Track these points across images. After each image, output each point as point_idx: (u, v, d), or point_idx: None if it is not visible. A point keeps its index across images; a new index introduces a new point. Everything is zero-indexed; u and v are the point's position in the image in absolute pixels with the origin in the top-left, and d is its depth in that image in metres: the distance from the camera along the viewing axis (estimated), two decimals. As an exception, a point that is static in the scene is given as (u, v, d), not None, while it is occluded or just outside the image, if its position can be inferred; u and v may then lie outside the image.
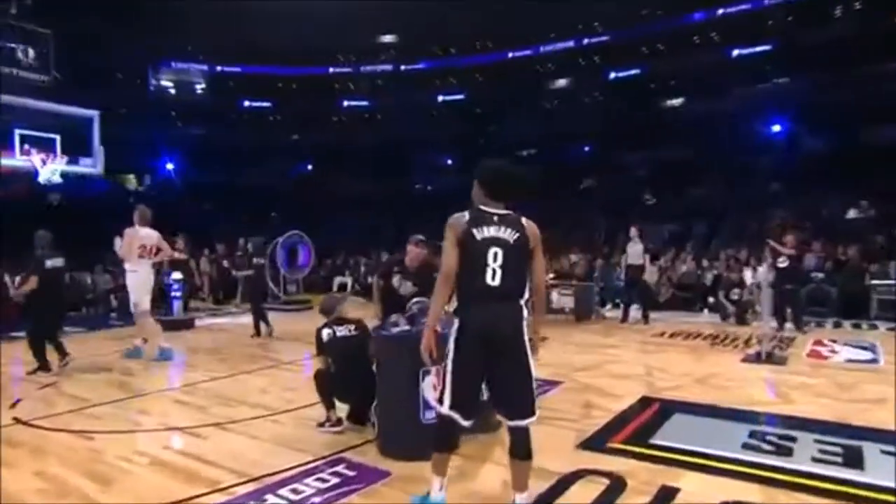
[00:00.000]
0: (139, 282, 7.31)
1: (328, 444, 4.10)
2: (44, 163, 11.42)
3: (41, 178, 11.56)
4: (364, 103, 30.64)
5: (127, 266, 7.29)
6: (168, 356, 7.34)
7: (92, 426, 4.67)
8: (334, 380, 4.37)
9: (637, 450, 3.90)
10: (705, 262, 12.70)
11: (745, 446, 3.92)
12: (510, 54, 28.55)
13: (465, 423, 2.81)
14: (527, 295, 2.83)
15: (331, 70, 30.48)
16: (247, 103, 30.05)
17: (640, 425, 4.44)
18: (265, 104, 30.09)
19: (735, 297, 10.03)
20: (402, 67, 30.17)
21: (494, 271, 2.75)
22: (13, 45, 12.42)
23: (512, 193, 2.91)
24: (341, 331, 4.44)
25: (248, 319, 9.78)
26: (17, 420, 4.91)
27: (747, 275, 10.32)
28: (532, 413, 2.82)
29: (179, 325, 9.93)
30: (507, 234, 2.79)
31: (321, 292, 12.59)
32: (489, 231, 2.79)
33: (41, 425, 4.74)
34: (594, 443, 4.06)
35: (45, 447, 4.24)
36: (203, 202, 24.83)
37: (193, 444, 4.22)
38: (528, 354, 2.78)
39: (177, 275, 10.16)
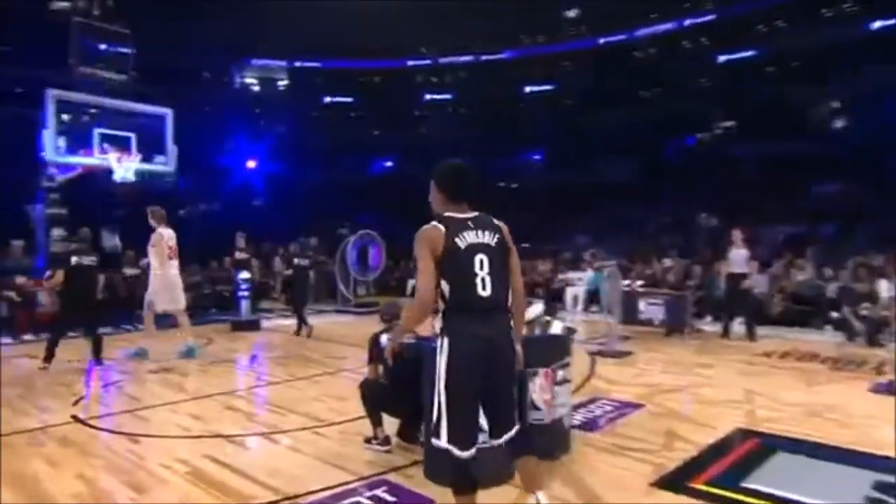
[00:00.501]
0: (169, 283, 7.72)
1: (372, 463, 4.02)
2: (119, 161, 12.30)
3: (116, 177, 12.48)
4: (447, 96, 30.86)
5: (156, 268, 7.66)
6: (140, 354, 7.76)
7: (140, 429, 4.87)
8: (384, 392, 4.27)
9: (725, 494, 3.51)
10: (829, 271, 11.60)
11: (870, 501, 3.43)
12: (602, 40, 27.73)
13: (465, 455, 2.64)
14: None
15: (409, 63, 30.93)
16: (328, 99, 31.04)
17: (732, 463, 4.01)
18: (347, 99, 30.99)
19: (865, 313, 9.06)
20: (484, 58, 30.09)
21: (484, 280, 2.66)
22: (94, 44, 13.49)
23: (473, 192, 2.83)
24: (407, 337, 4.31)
25: (315, 322, 10.04)
26: (74, 418, 5.21)
27: (882, 286, 9.29)
28: (514, 424, 2.77)
29: (245, 326, 10.31)
30: (488, 238, 2.74)
31: (393, 296, 12.74)
32: (470, 237, 2.70)
33: (95, 425, 5.00)
34: (673, 481, 3.70)
35: (93, 448, 4.45)
36: (282, 200, 25.91)
37: (235, 454, 4.27)
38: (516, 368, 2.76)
39: (244, 274, 10.55)
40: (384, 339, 4.28)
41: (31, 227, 13.51)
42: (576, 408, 4.95)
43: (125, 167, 11.96)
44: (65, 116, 11.76)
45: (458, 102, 30.77)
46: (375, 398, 4.30)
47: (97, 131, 11.97)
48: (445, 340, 2.67)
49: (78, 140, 11.96)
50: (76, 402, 5.76)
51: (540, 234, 20.54)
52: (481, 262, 2.67)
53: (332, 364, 7.56)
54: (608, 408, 5.32)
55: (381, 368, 4.31)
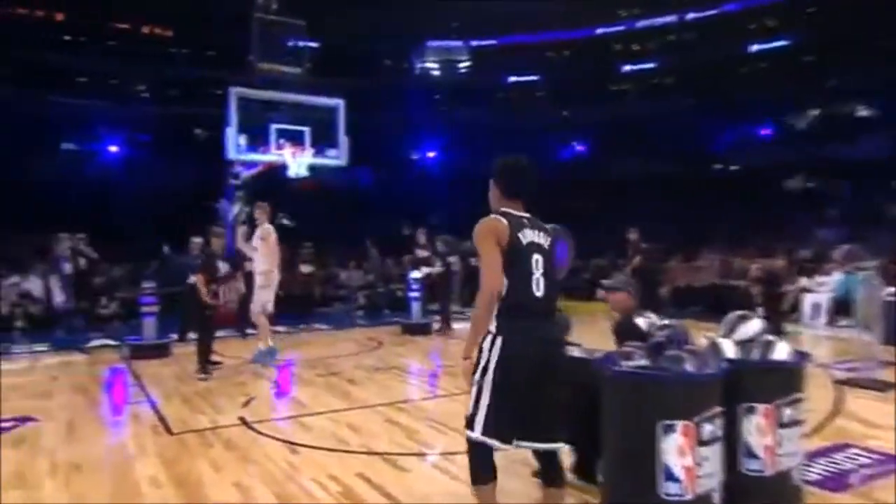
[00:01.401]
0: (274, 281, 8.05)
1: (537, 500, 3.79)
2: (294, 156, 13.40)
3: (291, 172, 13.61)
4: (648, 66, 29.34)
5: (264, 265, 7.98)
6: (264, 359, 7.99)
7: (301, 437, 5.17)
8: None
9: None
10: None
11: None
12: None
13: (503, 447, 2.88)
14: None
15: (599, 31, 29.90)
16: (512, 78, 31.25)
17: None
18: (532, 78, 30.93)
19: None
20: (691, 16, 28.01)
21: (538, 281, 2.89)
22: (273, 39, 14.90)
23: (530, 190, 3.06)
24: (576, 351, 4.02)
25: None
26: (241, 420, 5.69)
27: None
28: (560, 437, 2.97)
29: (416, 329, 10.62)
30: (542, 239, 2.98)
31: (583, 301, 12.34)
32: (529, 235, 2.93)
33: (259, 430, 5.41)
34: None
35: (254, 454, 4.80)
36: (462, 191, 26.61)
37: (389, 475, 4.31)
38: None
39: (415, 273, 10.87)
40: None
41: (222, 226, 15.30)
42: (811, 457, 4.26)
43: (298, 162, 13.08)
44: (244, 114, 13.30)
45: (663, 72, 29.06)
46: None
47: (274, 127, 13.26)
48: (499, 339, 2.86)
49: (257, 137, 13.46)
50: (246, 403, 6.32)
51: (768, 226, 18.70)
52: (537, 261, 2.91)
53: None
54: (862, 460, 4.48)
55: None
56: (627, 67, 29.88)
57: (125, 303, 12.04)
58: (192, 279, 9.60)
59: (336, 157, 14.04)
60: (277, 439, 5.12)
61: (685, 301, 13.38)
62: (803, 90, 24.46)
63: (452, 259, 10.49)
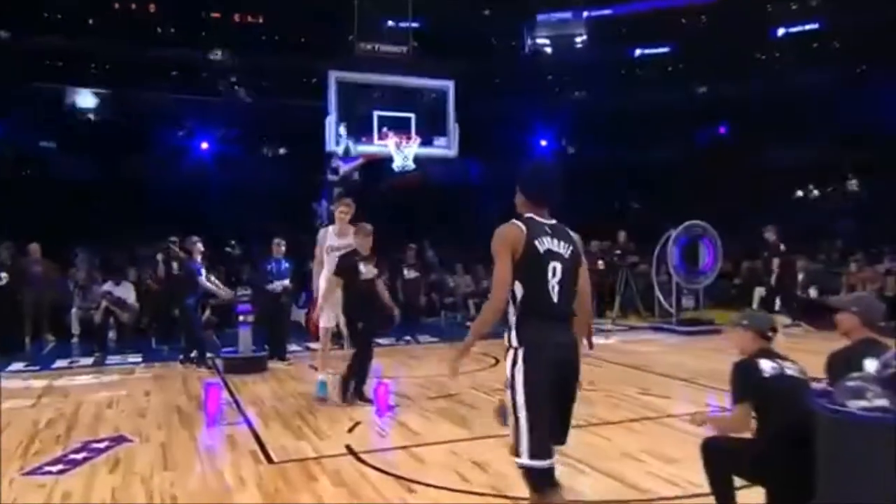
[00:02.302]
0: (331, 298, 7.39)
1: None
2: (398, 147, 13.22)
3: (396, 164, 13.45)
4: (811, 26, 27.33)
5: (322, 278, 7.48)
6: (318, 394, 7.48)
7: (416, 472, 4.98)
8: (743, 456, 3.50)
9: None
10: None
11: None
12: None
13: (546, 464, 3.10)
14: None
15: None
16: (639, 51, 30.15)
17: None
18: (663, 49, 29.70)
19: None
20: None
21: (555, 288, 3.17)
22: (375, 17, 14.92)
23: (555, 197, 3.35)
24: (790, 368, 3.53)
25: (626, 341, 9.56)
26: (349, 450, 5.56)
27: None
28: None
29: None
30: (562, 248, 3.23)
31: (731, 309, 11.58)
32: (547, 242, 3.20)
33: (368, 461, 5.26)
34: None
35: (363, 491, 4.64)
36: (583, 183, 25.86)
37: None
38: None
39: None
40: (765, 365, 3.49)
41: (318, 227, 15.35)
42: None
43: (404, 153, 12.88)
44: (344, 101, 13.34)
45: (829, 33, 26.97)
46: (728, 465, 3.56)
47: (377, 114, 13.17)
48: (521, 351, 3.15)
49: (358, 127, 13.36)
50: (352, 429, 6.21)
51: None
52: (554, 269, 3.17)
53: (654, 405, 6.98)
54: None
55: (761, 412, 3.49)
56: (782, 31, 28.00)
57: (217, 310, 12.36)
58: (276, 286, 9.69)
59: (445, 147, 13.85)
60: (390, 474, 4.94)
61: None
62: None
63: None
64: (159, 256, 11.26)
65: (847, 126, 23.56)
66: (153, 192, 19.52)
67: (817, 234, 18.13)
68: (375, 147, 13.36)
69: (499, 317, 3.20)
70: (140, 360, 10.49)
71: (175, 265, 10.16)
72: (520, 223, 3.21)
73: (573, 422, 3.33)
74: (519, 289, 3.15)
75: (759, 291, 14.11)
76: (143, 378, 9.17)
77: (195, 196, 20.07)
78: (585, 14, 30.34)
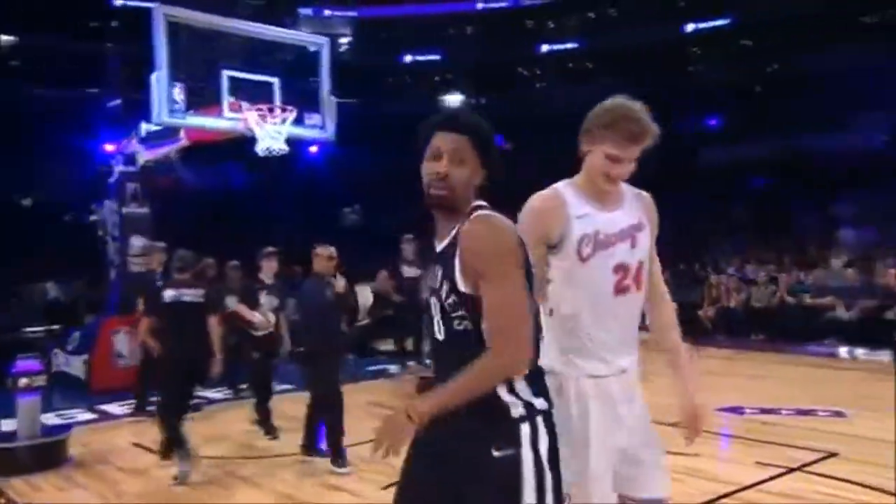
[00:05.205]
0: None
1: None
2: (262, 120, 9.53)
3: (259, 148, 9.76)
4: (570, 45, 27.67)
5: None
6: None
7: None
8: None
9: None
10: None
11: None
12: None
13: None
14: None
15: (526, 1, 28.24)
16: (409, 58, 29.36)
17: None
18: (433, 57, 29.12)
19: None
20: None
21: None
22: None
23: None
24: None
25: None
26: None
27: None
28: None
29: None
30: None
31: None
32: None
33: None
34: None
35: None
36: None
37: None
38: None
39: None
40: None
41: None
42: None
43: (271, 132, 9.23)
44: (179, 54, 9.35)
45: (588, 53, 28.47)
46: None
47: (226, 74, 9.30)
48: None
49: (199, 92, 9.53)
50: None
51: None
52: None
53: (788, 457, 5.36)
54: None
55: None
56: (546, 47, 28.43)
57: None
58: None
59: (319, 127, 10.42)
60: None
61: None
62: None
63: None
64: None
65: None
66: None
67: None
68: (224, 121, 9.42)
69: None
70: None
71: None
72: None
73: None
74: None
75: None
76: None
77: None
78: (351, 13, 28.93)
